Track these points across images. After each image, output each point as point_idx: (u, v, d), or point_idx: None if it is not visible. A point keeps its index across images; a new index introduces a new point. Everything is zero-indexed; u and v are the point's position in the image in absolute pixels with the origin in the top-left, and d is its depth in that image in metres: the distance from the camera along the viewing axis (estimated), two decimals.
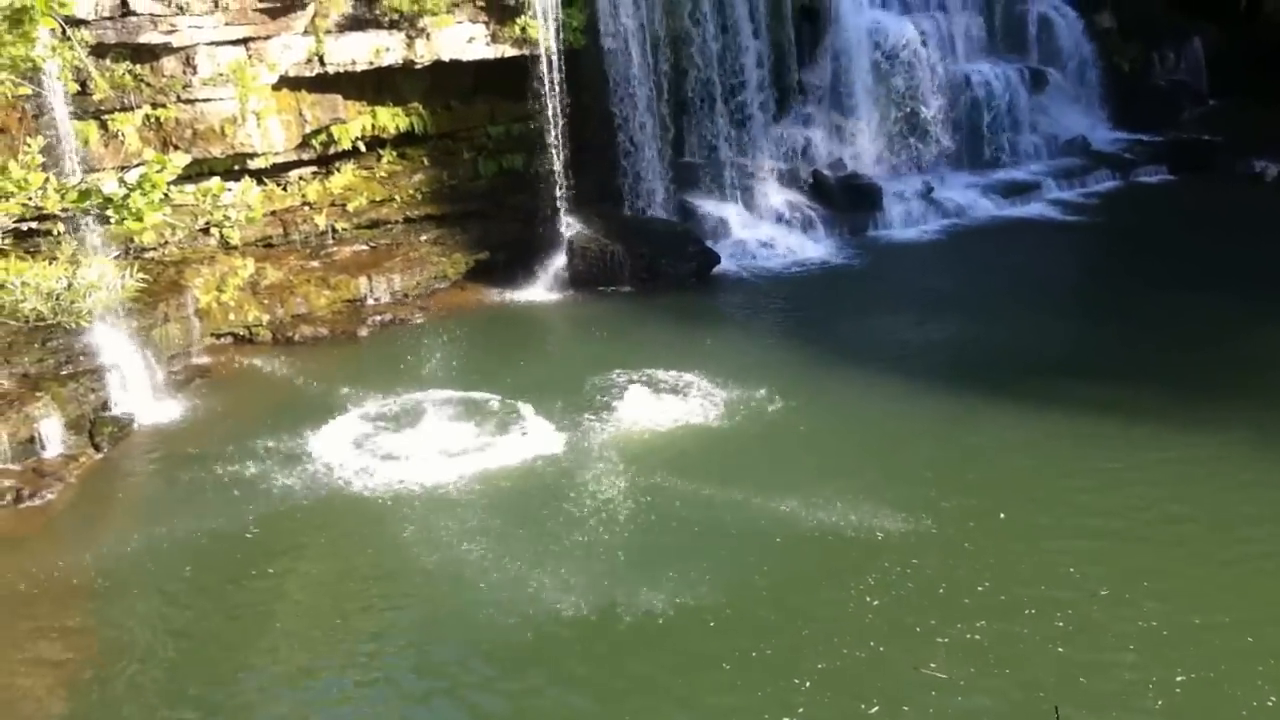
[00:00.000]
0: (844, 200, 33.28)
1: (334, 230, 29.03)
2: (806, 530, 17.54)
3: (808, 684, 14.16)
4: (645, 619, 15.72)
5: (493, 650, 15.25)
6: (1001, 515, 17.64)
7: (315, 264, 28.23)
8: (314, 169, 28.96)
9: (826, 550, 17.04)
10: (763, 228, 31.97)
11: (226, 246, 27.39)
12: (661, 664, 14.80)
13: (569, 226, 29.62)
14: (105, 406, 22.14)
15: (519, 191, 30.09)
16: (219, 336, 26.17)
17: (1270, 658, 14.22)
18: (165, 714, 14.41)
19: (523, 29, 28.58)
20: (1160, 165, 37.45)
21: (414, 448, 20.62)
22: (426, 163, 30.08)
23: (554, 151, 29.33)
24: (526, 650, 15.17)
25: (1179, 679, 13.95)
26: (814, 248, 31.57)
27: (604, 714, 14.01)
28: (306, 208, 28.82)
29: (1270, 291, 26.21)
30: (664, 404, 21.88)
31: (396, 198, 29.64)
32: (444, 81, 29.39)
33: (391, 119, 29.19)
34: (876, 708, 13.73)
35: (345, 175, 29.29)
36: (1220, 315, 24.89)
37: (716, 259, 29.69)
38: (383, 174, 29.72)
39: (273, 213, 28.27)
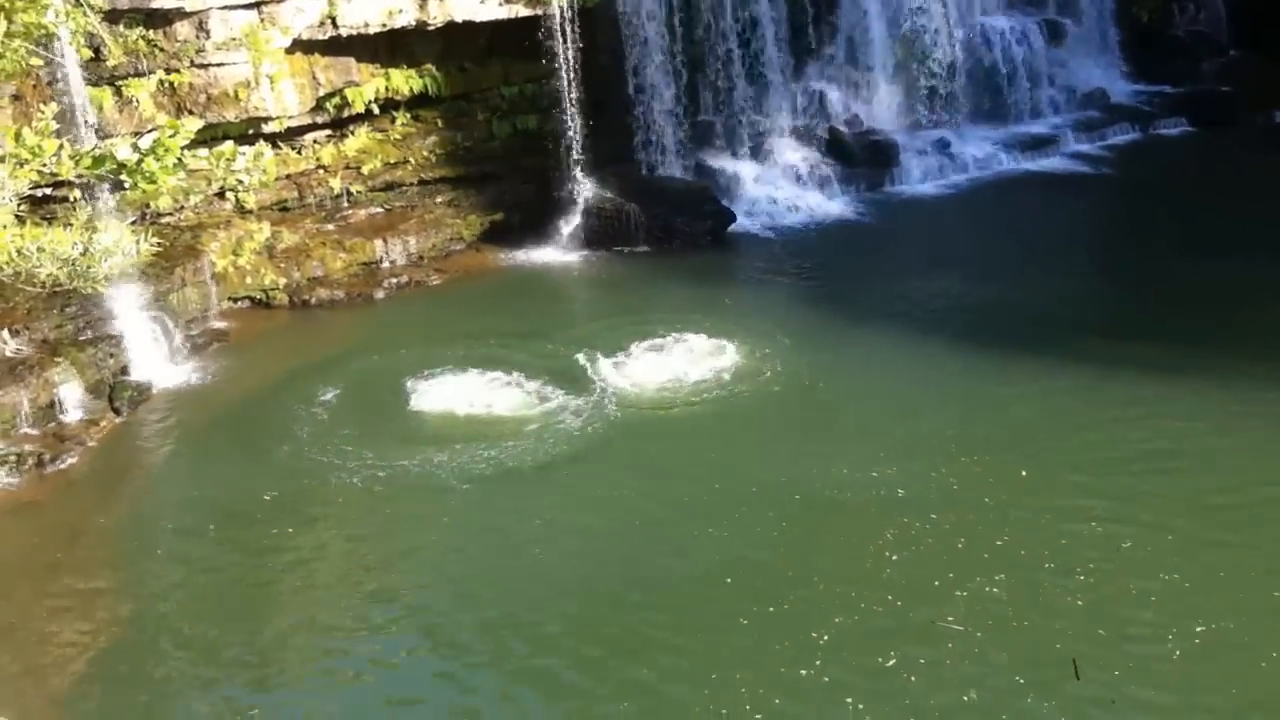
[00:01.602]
0: (861, 156, 33.06)
1: (349, 193, 29.01)
2: (826, 487, 17.55)
3: (825, 638, 14.21)
4: (663, 576, 15.78)
5: (515, 612, 15.33)
6: (1023, 472, 17.59)
7: (330, 227, 28.23)
8: (328, 132, 28.90)
9: (845, 507, 17.05)
10: (779, 185, 31.80)
11: (242, 211, 27.40)
12: (680, 621, 14.86)
13: (584, 187, 29.53)
14: (124, 371, 22.24)
15: (533, 153, 29.98)
16: (236, 300, 26.24)
17: None
18: (195, 679, 14.54)
19: None
20: (1180, 117, 37.04)
21: (433, 405, 20.69)
22: (440, 125, 29.98)
23: (568, 112, 29.20)
24: (548, 611, 15.24)
25: (1199, 630, 13.95)
26: (830, 205, 31.40)
27: (620, 669, 14.09)
28: (321, 171, 28.79)
29: None
30: (681, 363, 21.86)
31: (411, 160, 29.58)
32: (457, 43, 29.24)
33: (405, 81, 29.07)
34: (894, 661, 13.77)
35: (359, 138, 29.23)
36: (1235, 270, 24.65)
37: (732, 217, 29.57)
38: (397, 136, 29.65)
39: (287, 176, 28.25)
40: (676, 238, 28.74)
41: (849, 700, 13.25)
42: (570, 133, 29.31)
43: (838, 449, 18.63)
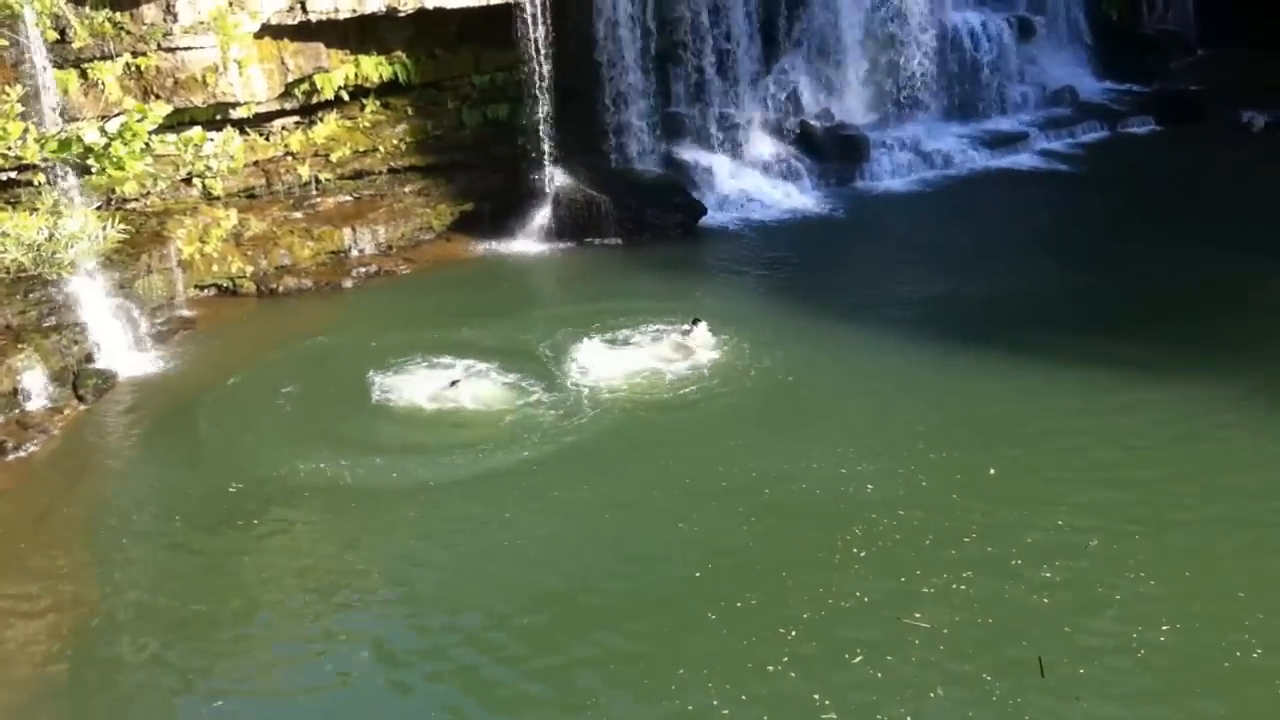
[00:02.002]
0: (831, 151, 33.12)
1: (317, 181, 28.79)
2: (795, 483, 17.57)
3: (792, 633, 14.23)
4: (630, 569, 15.76)
5: (485, 606, 15.28)
6: (991, 470, 17.67)
7: (299, 215, 28.01)
8: (297, 119, 28.66)
9: (814, 504, 17.08)
10: (750, 178, 31.82)
11: (209, 197, 27.15)
12: (647, 616, 14.85)
13: (554, 177, 29.44)
14: (89, 358, 22.00)
15: (504, 142, 29.87)
16: (202, 288, 26.01)
17: (1258, 613, 14.31)
18: (159, 667, 14.42)
19: None
20: (1148, 116, 37.32)
21: (399, 397, 20.58)
22: (410, 113, 29.79)
23: (539, 101, 29.08)
24: (517, 606, 15.20)
25: (1164, 629, 14.05)
26: (801, 198, 31.45)
27: (589, 662, 14.07)
28: (289, 158, 28.55)
29: (1257, 242, 26.20)
30: (650, 357, 21.83)
31: (380, 148, 29.38)
32: (428, 29, 29.05)
33: (375, 68, 28.86)
34: (860, 657, 13.81)
35: (328, 125, 29.00)
36: (1206, 266, 24.89)
37: (703, 210, 29.55)
38: (366, 124, 29.43)
39: (255, 163, 28.00)
40: (647, 230, 28.71)
41: (815, 696, 13.27)
42: (541, 122, 29.20)
43: (807, 445, 18.66)
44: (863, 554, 15.76)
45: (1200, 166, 33.03)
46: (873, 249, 27.97)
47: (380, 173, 29.38)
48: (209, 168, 26.44)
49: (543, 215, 29.07)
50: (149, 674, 14.33)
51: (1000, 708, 13.03)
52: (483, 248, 28.48)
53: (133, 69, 25.13)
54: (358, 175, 29.21)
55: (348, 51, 28.51)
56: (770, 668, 13.73)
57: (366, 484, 18.15)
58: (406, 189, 29.38)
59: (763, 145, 32.76)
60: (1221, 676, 13.40)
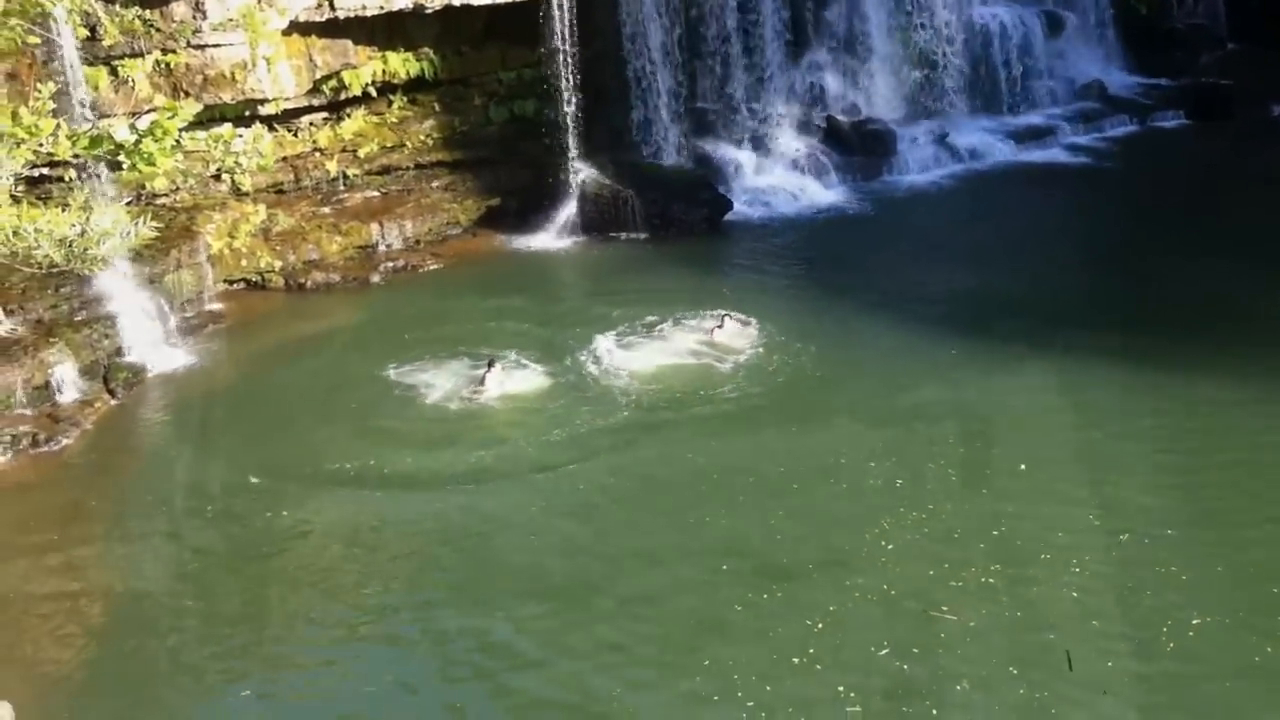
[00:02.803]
0: (858, 146, 33.03)
1: (345, 177, 28.94)
2: (821, 477, 17.55)
3: (819, 626, 14.23)
4: (654, 570, 15.78)
5: (505, 606, 15.34)
6: (1021, 465, 17.60)
7: (327, 210, 28.16)
8: (325, 115, 28.82)
9: (840, 497, 17.06)
10: (776, 174, 31.78)
11: (238, 193, 27.34)
12: (670, 616, 14.87)
13: (580, 173, 29.48)
14: (119, 352, 22.19)
15: (530, 138, 29.92)
16: (231, 283, 26.18)
17: None
18: (186, 660, 14.54)
19: None
20: (1177, 110, 37.04)
21: (426, 391, 20.67)
22: (437, 109, 29.90)
23: (565, 97, 29.13)
24: (537, 606, 15.25)
25: (1194, 625, 13.97)
26: (828, 193, 31.38)
27: (609, 665, 14.09)
28: (318, 154, 28.71)
29: None
30: (678, 351, 21.84)
31: (407, 144, 29.50)
32: (455, 26, 29.15)
33: (402, 64, 28.98)
34: (886, 650, 13.80)
35: (356, 121, 29.15)
36: (1236, 266, 24.65)
37: (729, 205, 29.53)
38: (393, 120, 29.57)
39: (284, 159, 28.17)
40: (673, 225, 28.71)
41: (840, 688, 13.27)
42: (567, 118, 29.24)
43: (835, 438, 18.64)
44: (890, 547, 15.74)
45: (1228, 162, 32.76)
46: (898, 244, 27.87)
47: (408, 168, 29.50)
48: (239, 164, 26.60)
49: (569, 210, 29.13)
50: (174, 666, 14.44)
51: (1027, 700, 13.00)
52: (510, 243, 28.55)
53: (162, 66, 25.33)
54: (385, 171, 29.34)
55: (375, 48, 28.65)
56: (796, 659, 13.74)
57: (392, 478, 18.24)
58: (433, 184, 29.49)
59: (789, 140, 32.71)
60: (1251, 672, 13.32)
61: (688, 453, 18.50)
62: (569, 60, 28.86)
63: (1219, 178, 31.44)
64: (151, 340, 22.90)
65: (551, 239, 28.73)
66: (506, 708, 13.61)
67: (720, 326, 22.09)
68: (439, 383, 20.94)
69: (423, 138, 29.63)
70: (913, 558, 15.49)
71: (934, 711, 12.92)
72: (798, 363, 21.34)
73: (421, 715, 13.54)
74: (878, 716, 12.94)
